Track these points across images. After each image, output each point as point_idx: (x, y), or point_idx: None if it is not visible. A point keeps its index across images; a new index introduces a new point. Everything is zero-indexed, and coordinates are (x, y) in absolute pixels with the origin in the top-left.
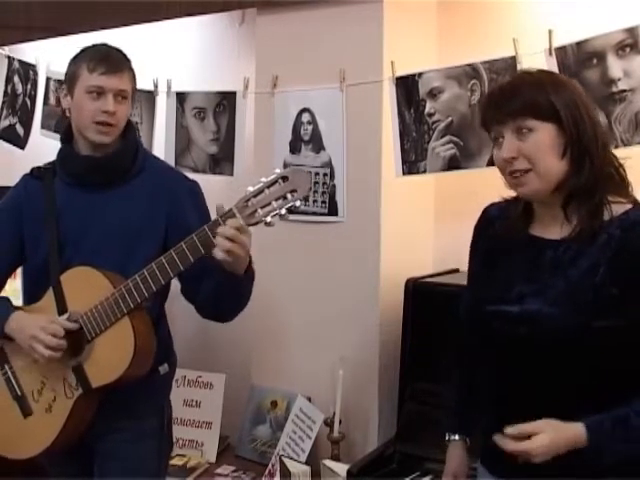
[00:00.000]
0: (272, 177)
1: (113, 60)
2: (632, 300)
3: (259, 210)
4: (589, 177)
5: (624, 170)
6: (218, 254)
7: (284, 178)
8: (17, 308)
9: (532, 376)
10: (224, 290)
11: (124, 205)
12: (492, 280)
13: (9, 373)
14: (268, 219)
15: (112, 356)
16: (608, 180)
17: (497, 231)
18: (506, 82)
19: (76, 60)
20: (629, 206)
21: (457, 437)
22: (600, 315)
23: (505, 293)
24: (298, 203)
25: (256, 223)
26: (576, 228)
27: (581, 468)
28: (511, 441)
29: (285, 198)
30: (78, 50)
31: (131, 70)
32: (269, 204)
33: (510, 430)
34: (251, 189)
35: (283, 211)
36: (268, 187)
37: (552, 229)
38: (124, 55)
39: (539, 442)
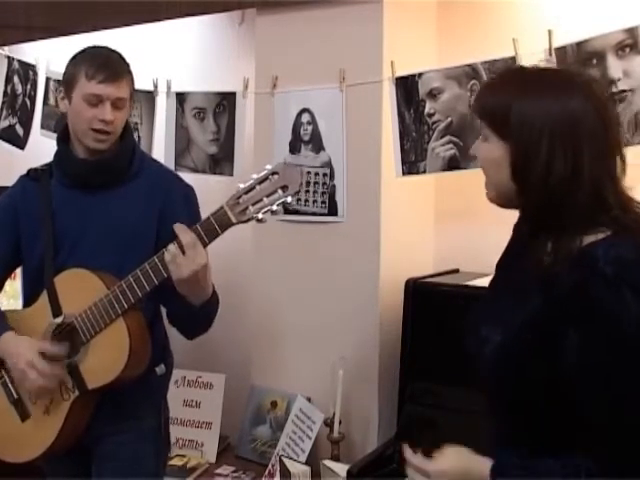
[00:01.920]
0: (263, 173)
1: (112, 67)
2: (559, 348)
3: (250, 207)
4: (534, 212)
5: (623, 205)
6: (166, 256)
7: (275, 174)
8: (12, 311)
9: (484, 401)
10: (180, 314)
11: (120, 206)
12: (491, 286)
13: (6, 377)
14: (260, 215)
15: (107, 357)
16: (586, 214)
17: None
18: (493, 77)
19: (75, 64)
20: (602, 236)
21: None
22: (530, 361)
23: (487, 308)
24: (289, 199)
25: (248, 220)
26: (544, 258)
27: None
28: (414, 455)
29: (276, 194)
30: (77, 50)
31: (129, 75)
32: (260, 200)
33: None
34: (242, 186)
35: (274, 207)
36: (259, 183)
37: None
38: (123, 59)
39: (438, 465)
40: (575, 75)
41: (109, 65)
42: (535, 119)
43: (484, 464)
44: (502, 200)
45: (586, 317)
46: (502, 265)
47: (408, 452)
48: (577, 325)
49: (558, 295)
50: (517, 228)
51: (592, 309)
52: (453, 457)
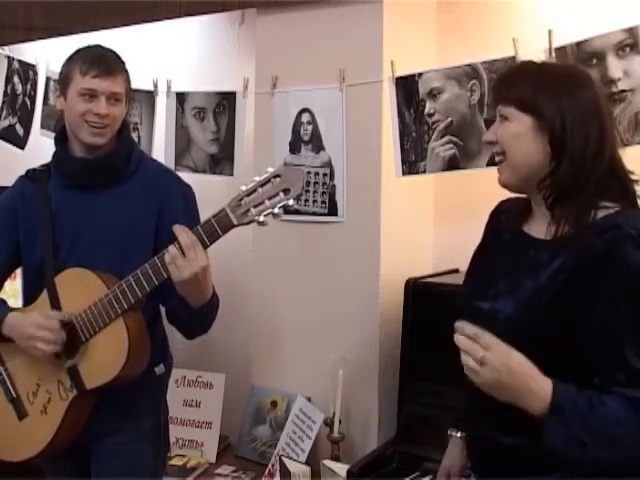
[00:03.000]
0: (265, 176)
1: (106, 62)
2: (588, 308)
3: (252, 209)
4: (566, 179)
5: (629, 180)
6: (166, 257)
7: (277, 176)
8: (13, 310)
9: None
10: (178, 314)
11: (118, 205)
12: (478, 275)
13: (4, 375)
14: (261, 218)
15: (106, 357)
16: (601, 187)
17: (499, 226)
18: (511, 68)
19: (69, 62)
20: (612, 211)
21: (458, 434)
22: (556, 321)
23: (485, 289)
24: (291, 202)
25: (249, 222)
26: (559, 230)
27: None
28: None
29: (278, 197)
30: (73, 51)
31: (124, 72)
32: (262, 203)
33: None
34: (244, 188)
35: (276, 210)
36: (261, 186)
37: (541, 228)
38: (117, 57)
39: (508, 347)
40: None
41: (103, 60)
42: (565, 101)
43: (544, 381)
44: (519, 179)
45: (614, 271)
46: (485, 253)
47: (461, 324)
48: (606, 281)
49: (587, 261)
50: (496, 218)
51: (620, 263)
52: (519, 354)
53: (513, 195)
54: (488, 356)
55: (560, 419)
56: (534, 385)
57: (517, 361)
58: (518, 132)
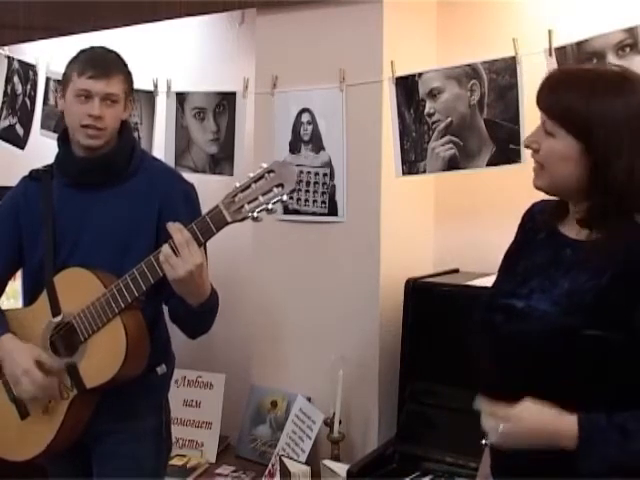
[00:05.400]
0: (258, 172)
1: (102, 64)
2: (630, 310)
3: (246, 205)
4: (600, 202)
5: None
6: (160, 256)
7: (271, 172)
8: (12, 310)
9: (523, 377)
10: (179, 313)
11: (119, 205)
12: (512, 274)
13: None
14: (255, 214)
15: (105, 356)
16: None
17: (534, 226)
18: (564, 72)
19: (70, 63)
20: None
21: None
22: (596, 321)
23: (519, 287)
24: (285, 197)
25: (243, 219)
26: (597, 233)
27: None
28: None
29: (272, 192)
30: (77, 51)
31: (122, 73)
32: (256, 199)
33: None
34: (238, 184)
35: (270, 206)
36: (255, 182)
37: (578, 229)
38: (118, 58)
39: (521, 408)
40: (629, 73)
41: (99, 62)
42: (615, 121)
43: (567, 420)
44: (556, 190)
45: None
46: (520, 252)
47: (481, 401)
48: None
49: (634, 263)
50: (531, 218)
51: None
52: (534, 408)
53: (545, 197)
54: (506, 428)
55: (591, 450)
56: (559, 426)
57: (530, 416)
58: (564, 156)
